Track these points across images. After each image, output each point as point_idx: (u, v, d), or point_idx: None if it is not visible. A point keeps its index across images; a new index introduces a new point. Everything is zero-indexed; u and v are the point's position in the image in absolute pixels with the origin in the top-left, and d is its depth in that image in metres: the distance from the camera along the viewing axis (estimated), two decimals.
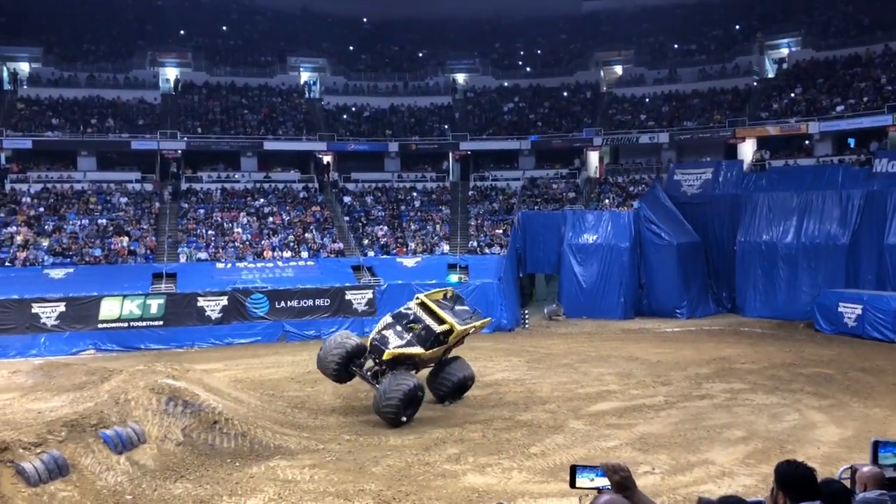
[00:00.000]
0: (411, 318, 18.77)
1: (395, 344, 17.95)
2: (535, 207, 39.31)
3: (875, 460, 4.98)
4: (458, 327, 18.73)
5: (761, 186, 34.38)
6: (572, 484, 3.20)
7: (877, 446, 5.00)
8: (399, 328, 18.48)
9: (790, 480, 3.84)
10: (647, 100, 46.39)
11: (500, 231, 38.03)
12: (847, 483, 4.70)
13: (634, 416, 17.67)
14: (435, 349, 18.38)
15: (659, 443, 15.52)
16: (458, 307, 19.57)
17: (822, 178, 32.92)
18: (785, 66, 44.99)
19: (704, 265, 35.10)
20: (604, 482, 3.11)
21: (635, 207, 36.05)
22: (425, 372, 19.32)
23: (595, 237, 34.24)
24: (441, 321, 18.61)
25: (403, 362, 17.93)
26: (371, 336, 18.55)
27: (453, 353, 19.76)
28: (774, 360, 23.82)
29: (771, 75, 45.40)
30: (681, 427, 16.62)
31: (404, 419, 17.06)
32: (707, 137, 42.22)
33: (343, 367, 18.28)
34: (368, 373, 18.19)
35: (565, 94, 48.46)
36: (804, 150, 40.09)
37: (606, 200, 39.99)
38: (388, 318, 19.06)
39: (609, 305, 33.28)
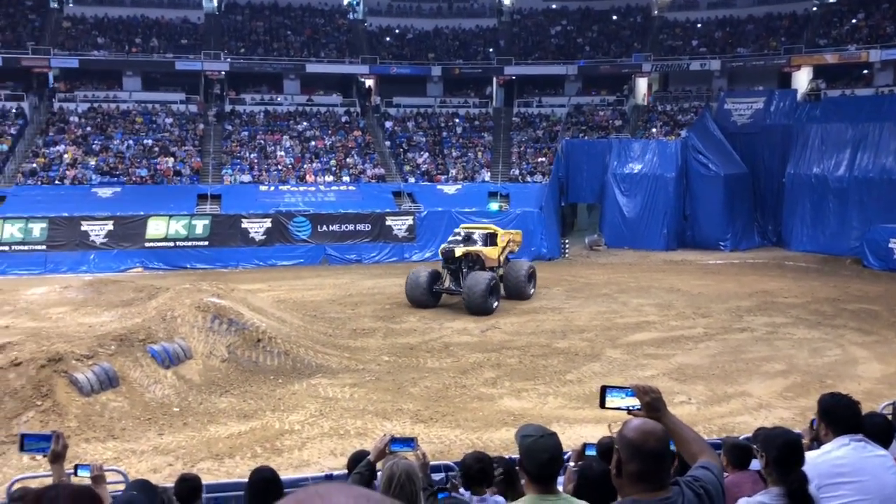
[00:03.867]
0: (463, 235, 23.54)
1: (461, 247, 22.27)
2: (580, 135, 38.62)
3: None
4: (499, 230, 24.04)
5: (815, 117, 33.28)
6: (602, 404, 3.20)
7: None
8: (458, 241, 23.06)
9: (834, 412, 3.79)
10: (700, 25, 44.73)
11: (543, 159, 37.56)
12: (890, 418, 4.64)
13: (672, 346, 17.66)
14: (491, 248, 22.77)
15: (696, 374, 15.53)
16: None
17: (881, 109, 31.72)
18: None
19: (751, 197, 34.40)
20: (634, 402, 3.10)
21: (683, 137, 35.23)
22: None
23: (640, 166, 33.67)
24: (485, 228, 24.05)
25: (473, 261, 22.05)
26: (440, 250, 23.08)
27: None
28: (818, 294, 23.48)
29: None
30: (719, 359, 16.58)
31: (495, 304, 21.00)
32: (760, 65, 40.72)
33: (429, 292, 21.80)
34: (451, 286, 22.03)
35: (615, 17, 46.92)
36: (863, 79, 38.48)
37: (654, 129, 39.10)
38: (445, 244, 23.38)
39: (651, 236, 32.94)
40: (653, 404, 3.01)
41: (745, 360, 16.49)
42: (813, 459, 3.65)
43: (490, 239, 23.10)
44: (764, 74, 40.91)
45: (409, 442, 4.59)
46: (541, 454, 3.16)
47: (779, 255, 31.61)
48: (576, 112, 41.59)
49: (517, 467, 3.78)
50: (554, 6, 47.71)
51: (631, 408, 3.11)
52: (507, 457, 5.05)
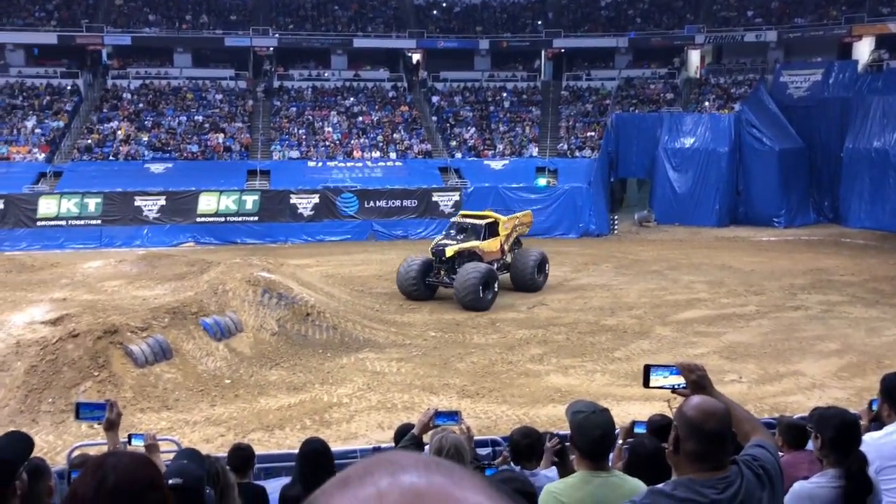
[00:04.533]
0: (457, 227, 21.27)
1: (453, 245, 20.19)
2: (631, 109, 37.94)
3: None
4: (502, 217, 21.54)
5: (876, 89, 32.14)
6: (646, 383, 3.13)
7: None
8: (452, 235, 20.96)
9: None
10: None
11: (592, 133, 37.01)
12: None
13: (723, 324, 17.39)
14: (490, 240, 20.55)
15: (748, 352, 15.27)
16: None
17: None
18: None
19: (807, 172, 33.46)
20: (678, 381, 3.03)
21: (737, 110, 34.36)
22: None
23: (692, 141, 33.01)
24: (483, 217, 21.44)
25: (468, 257, 19.90)
26: (430, 249, 20.66)
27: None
28: (876, 272, 22.82)
29: None
30: (771, 337, 16.27)
31: (489, 297, 18.89)
32: (819, 36, 39.36)
33: (421, 283, 19.97)
34: (445, 278, 19.95)
35: None
36: None
37: (706, 103, 38.19)
38: (438, 237, 21.63)
39: (703, 212, 32.31)
40: (699, 382, 2.95)
41: (798, 338, 16.16)
42: (874, 441, 3.53)
43: (489, 230, 20.73)
44: (822, 45, 39.54)
45: (454, 416, 4.60)
46: (593, 430, 3.13)
47: (835, 232, 30.77)
48: (626, 85, 40.83)
49: (567, 443, 3.74)
50: None
51: (676, 386, 3.05)
52: (557, 432, 5.01)
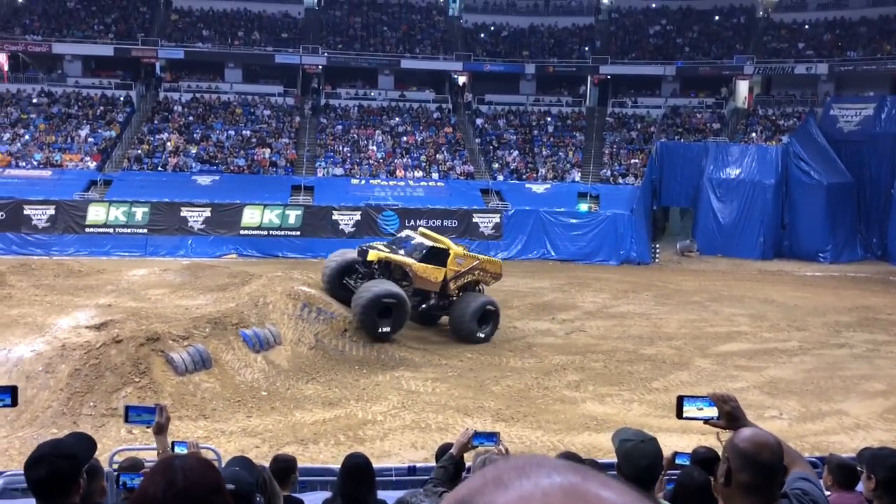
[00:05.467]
0: (405, 237, 19.41)
1: (383, 251, 18.02)
2: (676, 137, 37.68)
3: None
4: (456, 248, 18.75)
5: None
6: (679, 414, 3.11)
7: None
8: (393, 245, 18.96)
9: None
10: (808, 26, 42.92)
11: (636, 161, 36.83)
12: None
13: (765, 359, 17.06)
14: (430, 266, 17.96)
15: (789, 388, 14.96)
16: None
17: None
18: None
19: (855, 208, 32.82)
20: (712, 412, 3.01)
21: (784, 142, 33.91)
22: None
23: (738, 172, 32.62)
24: (437, 241, 18.92)
25: (396, 272, 17.78)
26: (359, 246, 18.76)
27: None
28: None
29: None
30: (814, 374, 15.92)
31: (384, 330, 16.52)
32: (872, 70, 38.77)
33: (336, 282, 17.88)
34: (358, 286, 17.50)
35: (717, 17, 45.53)
36: None
37: (753, 134, 37.78)
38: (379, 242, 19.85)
39: (747, 244, 31.83)
40: (733, 413, 2.94)
41: (842, 377, 15.78)
42: None
43: (435, 255, 18.13)
44: (875, 79, 38.94)
45: (492, 437, 4.60)
46: (640, 459, 3.11)
47: (883, 270, 30.07)
48: (672, 114, 40.61)
49: (612, 472, 3.70)
50: (654, 5, 46.67)
51: (710, 418, 3.04)
52: (597, 460, 4.96)
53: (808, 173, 31.84)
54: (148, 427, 3.99)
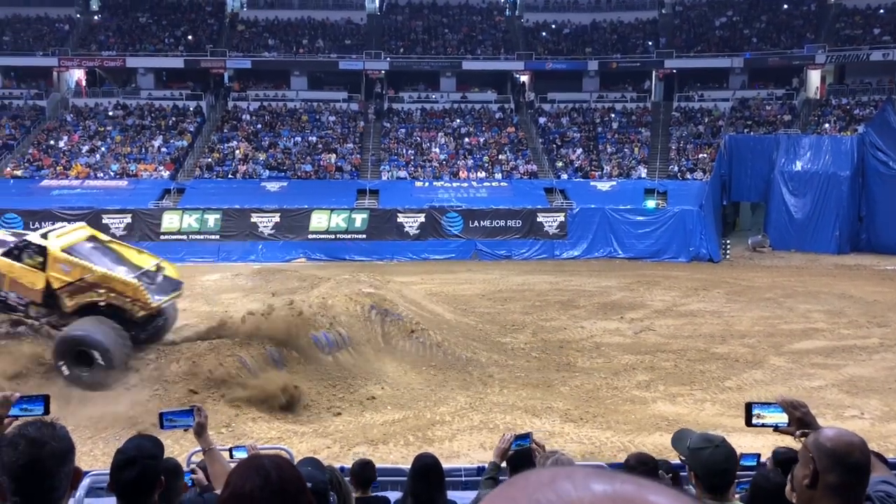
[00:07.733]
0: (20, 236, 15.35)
1: None
2: (745, 130, 36.71)
3: None
4: (59, 253, 13.79)
5: None
6: (748, 422, 3.06)
7: None
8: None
9: None
10: (883, 11, 41.26)
11: (704, 155, 36.04)
12: None
13: (843, 356, 16.50)
14: (18, 265, 13.83)
15: (870, 387, 14.42)
16: (157, 279, 15.14)
17: None
18: None
19: None
20: (782, 419, 2.96)
21: (860, 132, 32.71)
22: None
23: (811, 164, 31.63)
24: (36, 241, 14.14)
25: None
26: None
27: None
28: None
29: None
30: None
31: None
32: None
33: None
34: None
35: (785, 6, 44.19)
36: None
37: (826, 125, 36.56)
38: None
39: (822, 238, 30.81)
40: (804, 419, 2.88)
41: None
42: None
43: (30, 253, 13.87)
44: None
45: (526, 437, 4.62)
46: (718, 464, 3.09)
47: None
48: (740, 106, 39.60)
49: (683, 472, 3.67)
50: None
51: (779, 424, 2.98)
52: (669, 461, 4.90)
53: (886, 163, 30.67)
54: (186, 430, 3.95)
